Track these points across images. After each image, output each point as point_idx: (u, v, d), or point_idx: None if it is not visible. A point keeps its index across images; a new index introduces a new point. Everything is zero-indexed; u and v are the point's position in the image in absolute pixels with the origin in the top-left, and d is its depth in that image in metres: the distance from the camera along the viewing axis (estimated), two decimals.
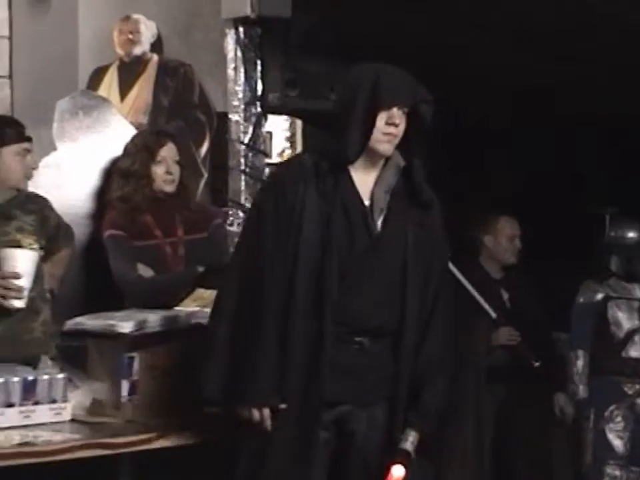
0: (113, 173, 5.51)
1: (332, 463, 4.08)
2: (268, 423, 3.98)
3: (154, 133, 5.64)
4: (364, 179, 4.07)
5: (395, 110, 4.00)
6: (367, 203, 4.07)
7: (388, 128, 4.00)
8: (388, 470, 3.93)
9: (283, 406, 3.98)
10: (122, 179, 5.39)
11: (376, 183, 4.08)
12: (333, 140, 4.13)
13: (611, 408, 6.22)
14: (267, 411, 3.98)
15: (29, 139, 4.90)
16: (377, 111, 3.99)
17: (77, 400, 4.42)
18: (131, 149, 5.44)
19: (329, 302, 3.98)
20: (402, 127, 4.02)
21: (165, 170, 5.37)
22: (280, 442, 3.99)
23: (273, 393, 3.98)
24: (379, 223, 4.06)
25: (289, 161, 5.06)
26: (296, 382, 3.99)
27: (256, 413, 3.97)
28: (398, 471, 3.91)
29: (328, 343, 3.97)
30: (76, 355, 4.63)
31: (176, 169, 5.41)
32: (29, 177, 4.90)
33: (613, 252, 6.36)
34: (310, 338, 3.99)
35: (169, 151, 5.42)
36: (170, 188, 5.38)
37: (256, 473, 3.99)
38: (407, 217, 4.09)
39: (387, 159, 4.09)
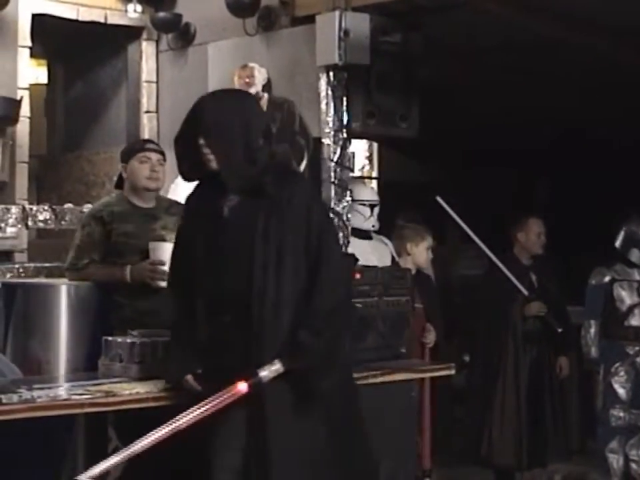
0: None
1: None
2: (194, 387, 3.73)
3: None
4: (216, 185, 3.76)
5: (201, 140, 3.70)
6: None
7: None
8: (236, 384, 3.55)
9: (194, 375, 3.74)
10: None
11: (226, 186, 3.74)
12: None
13: (617, 365, 6.16)
14: (189, 379, 3.74)
15: (151, 149, 4.87)
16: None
17: None
18: None
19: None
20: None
21: None
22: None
23: (180, 369, 3.76)
24: (227, 214, 3.73)
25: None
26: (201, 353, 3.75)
27: (185, 383, 3.75)
28: (241, 385, 3.52)
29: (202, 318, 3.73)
30: None
31: None
32: (152, 177, 4.82)
33: (634, 244, 6.27)
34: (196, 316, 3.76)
35: None
36: None
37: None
38: (258, 208, 3.69)
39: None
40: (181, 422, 3.41)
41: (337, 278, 3.72)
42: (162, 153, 4.92)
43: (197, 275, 3.76)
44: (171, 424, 3.39)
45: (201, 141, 3.69)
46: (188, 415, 3.43)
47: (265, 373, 3.57)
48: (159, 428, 3.38)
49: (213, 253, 3.73)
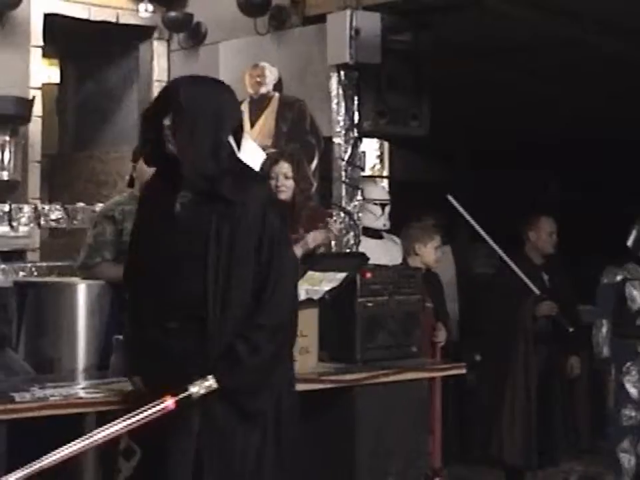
0: None
1: None
2: (140, 388, 3.56)
3: (270, 156, 5.67)
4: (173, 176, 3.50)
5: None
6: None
7: None
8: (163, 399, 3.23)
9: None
10: None
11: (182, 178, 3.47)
12: None
13: (628, 364, 6.15)
14: (136, 381, 3.59)
15: None
16: None
17: None
18: (260, 169, 5.49)
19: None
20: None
21: (275, 184, 5.39)
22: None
23: (129, 370, 3.63)
24: (178, 210, 3.45)
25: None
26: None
27: (133, 384, 3.63)
28: (168, 401, 3.21)
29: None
30: None
31: (287, 182, 5.42)
32: None
33: None
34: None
35: (280, 169, 5.41)
36: (283, 196, 5.37)
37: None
38: (211, 209, 3.42)
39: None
40: (98, 436, 3.13)
41: (286, 293, 3.46)
42: None
43: (146, 273, 3.50)
44: (88, 437, 3.13)
45: (167, 122, 3.43)
46: (107, 429, 3.15)
47: (196, 389, 3.28)
48: (75, 441, 3.11)
49: (163, 252, 3.46)
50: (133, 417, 3.17)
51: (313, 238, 5.33)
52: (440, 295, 6.23)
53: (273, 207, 3.53)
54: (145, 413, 3.18)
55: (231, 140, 3.54)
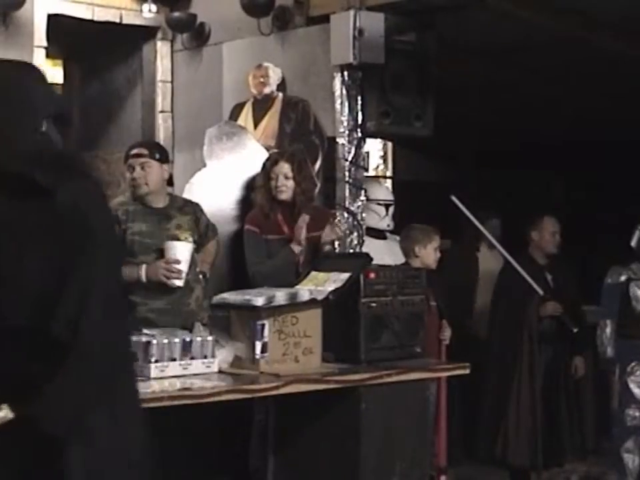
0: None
1: None
2: None
3: (271, 156, 5.69)
4: None
5: None
6: None
7: None
8: None
9: None
10: (254, 190, 5.52)
11: None
12: None
13: (632, 364, 6.11)
14: None
15: (134, 155, 4.91)
16: None
17: (222, 356, 4.44)
18: (261, 169, 5.54)
19: None
20: None
21: (275, 184, 5.40)
22: None
23: None
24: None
25: None
26: None
27: None
28: None
29: None
30: (222, 322, 4.64)
31: (287, 183, 5.42)
32: (135, 185, 4.88)
33: None
34: None
35: (280, 169, 5.42)
36: (283, 196, 5.39)
37: None
38: (27, 212, 2.73)
39: None
40: None
41: (91, 306, 2.67)
42: (149, 153, 4.92)
43: None
44: None
45: None
46: None
47: None
48: None
49: None
50: None
51: (327, 233, 5.38)
52: (443, 294, 6.21)
53: (94, 207, 2.79)
54: None
55: (51, 130, 2.89)
